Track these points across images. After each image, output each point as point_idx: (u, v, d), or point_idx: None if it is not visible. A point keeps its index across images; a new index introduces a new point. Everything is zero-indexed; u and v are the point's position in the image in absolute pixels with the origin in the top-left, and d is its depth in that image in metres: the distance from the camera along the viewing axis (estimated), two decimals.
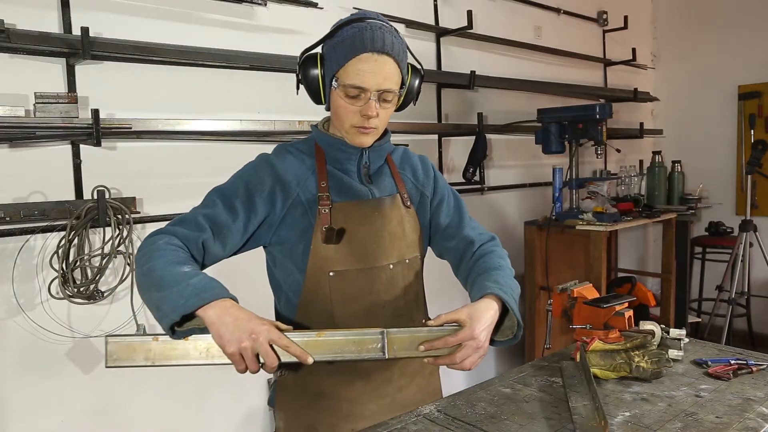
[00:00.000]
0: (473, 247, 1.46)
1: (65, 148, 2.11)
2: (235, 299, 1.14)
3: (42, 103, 1.95)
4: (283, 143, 1.41)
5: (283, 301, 1.39)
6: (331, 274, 1.31)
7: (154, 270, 1.11)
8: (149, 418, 2.36)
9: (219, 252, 1.27)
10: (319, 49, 1.31)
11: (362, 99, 1.25)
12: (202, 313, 1.09)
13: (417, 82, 1.34)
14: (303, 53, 1.30)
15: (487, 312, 1.25)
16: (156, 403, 2.38)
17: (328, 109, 1.34)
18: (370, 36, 1.20)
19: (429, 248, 1.55)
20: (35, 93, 1.94)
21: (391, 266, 1.37)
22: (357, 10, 1.48)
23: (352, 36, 1.21)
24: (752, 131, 4.36)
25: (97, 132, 2.01)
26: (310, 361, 1.12)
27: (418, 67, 1.35)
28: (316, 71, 1.28)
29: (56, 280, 2.05)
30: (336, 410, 1.37)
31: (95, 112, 2.01)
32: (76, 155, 2.12)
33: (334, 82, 1.25)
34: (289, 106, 2.65)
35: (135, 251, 2.18)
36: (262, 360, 1.11)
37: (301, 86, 1.34)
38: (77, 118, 2.01)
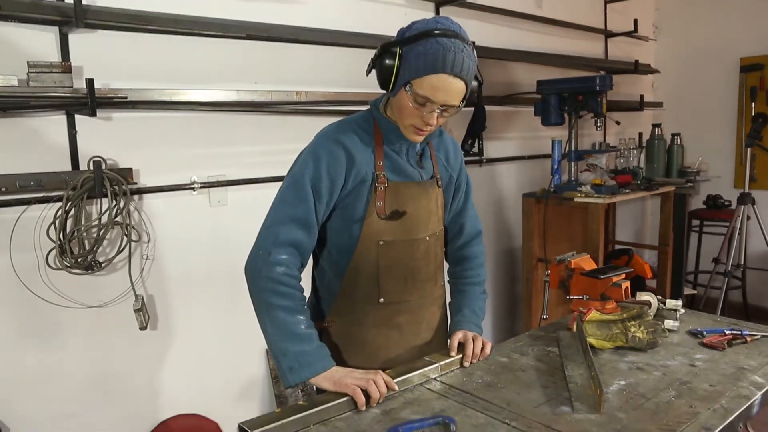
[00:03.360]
0: (461, 236, 1.69)
1: (60, 119, 2.09)
2: (335, 364, 1.36)
3: (35, 72, 1.92)
4: (343, 120, 1.50)
5: (326, 254, 1.52)
6: (380, 243, 1.46)
7: (272, 312, 1.34)
8: (149, 387, 2.38)
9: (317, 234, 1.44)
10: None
11: (427, 108, 1.36)
12: (314, 379, 1.33)
13: (475, 93, 1.45)
14: (384, 45, 1.37)
15: (464, 334, 1.58)
16: (155, 373, 2.40)
17: (391, 94, 1.41)
18: (451, 58, 1.31)
19: None
20: (28, 62, 1.92)
21: (427, 238, 1.54)
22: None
23: (435, 53, 1.31)
24: (753, 104, 4.33)
25: (92, 102, 1.99)
26: (396, 388, 1.35)
27: (480, 80, 1.45)
28: (393, 64, 1.35)
29: (54, 251, 2.04)
30: (374, 357, 1.52)
31: (90, 82, 1.98)
32: (71, 126, 2.10)
33: (407, 87, 1.35)
34: (285, 77, 2.63)
35: (136, 222, 2.19)
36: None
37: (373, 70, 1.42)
38: (71, 87, 1.98)
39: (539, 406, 1.27)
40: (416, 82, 1.33)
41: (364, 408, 1.27)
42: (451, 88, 1.33)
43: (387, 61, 1.35)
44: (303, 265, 1.43)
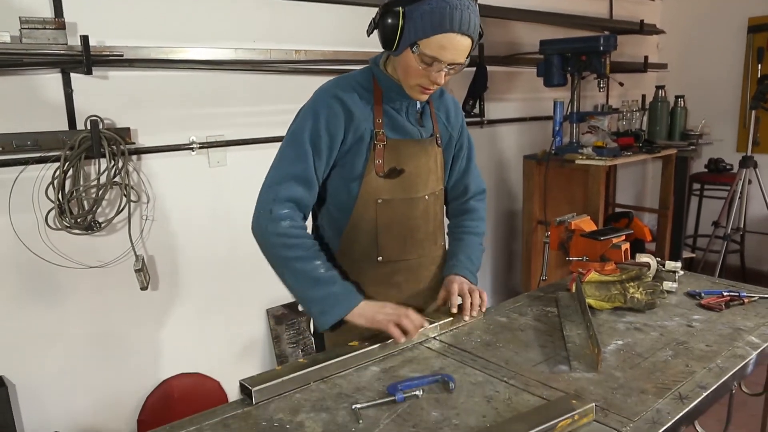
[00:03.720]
0: (466, 195, 1.70)
1: (56, 77, 2.06)
2: (364, 298, 1.38)
3: (28, 28, 1.88)
4: (342, 76, 1.47)
5: (325, 212, 1.53)
6: (379, 201, 1.46)
7: (289, 264, 1.35)
8: (150, 346, 2.41)
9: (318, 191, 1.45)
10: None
11: (434, 67, 1.34)
12: (347, 317, 1.35)
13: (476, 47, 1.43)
14: (386, 4, 1.34)
15: (460, 283, 1.56)
16: (157, 332, 2.42)
17: (394, 54, 1.37)
18: (458, 17, 1.28)
19: None
20: (20, 18, 1.88)
21: (426, 197, 1.54)
22: None
23: (441, 11, 1.28)
24: (759, 65, 4.26)
25: (87, 60, 1.96)
26: (426, 326, 1.41)
27: (481, 32, 1.41)
28: (397, 24, 1.32)
29: (53, 212, 2.04)
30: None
31: (84, 39, 1.95)
32: (66, 84, 2.07)
33: (414, 47, 1.32)
34: (284, 35, 2.58)
35: (135, 183, 2.18)
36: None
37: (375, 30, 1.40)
38: (66, 45, 1.95)
39: (537, 365, 1.29)
40: (423, 42, 1.31)
41: (402, 341, 1.33)
42: (458, 47, 1.31)
43: (390, 21, 1.32)
44: (305, 219, 1.43)
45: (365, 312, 1.35)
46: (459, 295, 1.53)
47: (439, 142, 1.56)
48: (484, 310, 1.55)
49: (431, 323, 1.45)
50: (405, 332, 1.34)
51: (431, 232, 1.58)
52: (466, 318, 1.51)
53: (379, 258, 1.50)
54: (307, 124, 1.39)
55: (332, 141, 1.40)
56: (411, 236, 1.53)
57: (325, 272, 1.36)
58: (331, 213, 1.51)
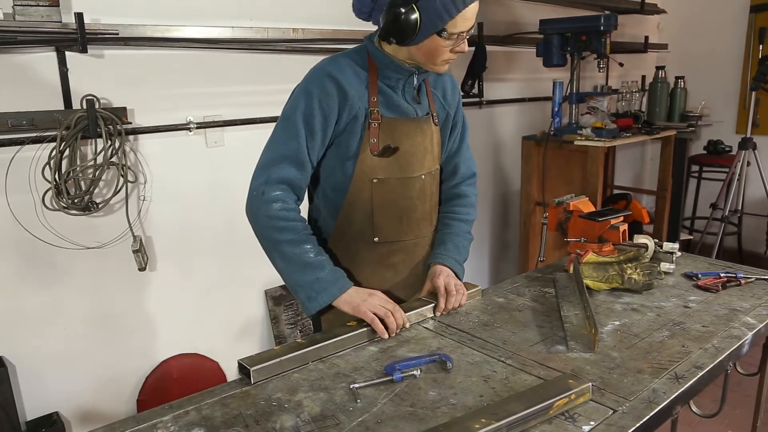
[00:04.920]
0: (455, 176, 1.67)
1: (50, 56, 2.04)
2: (353, 284, 1.39)
3: (22, 5, 1.85)
4: (336, 54, 1.46)
5: (320, 193, 1.53)
6: (374, 180, 1.46)
7: (279, 247, 1.36)
8: (149, 327, 2.42)
9: (311, 174, 1.45)
10: None
11: (459, 39, 1.37)
12: (334, 303, 1.36)
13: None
14: (394, 2, 1.32)
15: (446, 277, 1.54)
16: (155, 313, 2.43)
17: (413, 44, 1.36)
18: None
19: None
20: None
21: (423, 176, 1.53)
22: None
23: None
24: (761, 46, 4.23)
25: (82, 38, 1.94)
26: (408, 325, 1.40)
27: None
28: (416, 19, 1.31)
29: (50, 192, 2.03)
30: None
31: (79, 16, 1.93)
32: (62, 63, 2.05)
33: (442, 33, 1.33)
34: (281, 14, 2.55)
35: (132, 163, 2.17)
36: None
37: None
38: (60, 22, 1.93)
39: (534, 345, 1.29)
40: (450, 24, 1.32)
41: (385, 336, 1.33)
42: (475, 10, 1.35)
43: (407, 18, 1.30)
44: (299, 200, 1.42)
45: (352, 300, 1.36)
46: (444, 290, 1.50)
47: (436, 120, 1.55)
48: (458, 308, 1.52)
49: (429, 303, 1.46)
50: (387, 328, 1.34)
51: (428, 212, 1.57)
52: (437, 314, 1.47)
53: (375, 239, 1.49)
54: (300, 104, 1.38)
55: (326, 120, 1.39)
56: (407, 216, 1.52)
57: (315, 257, 1.36)
58: (326, 194, 1.51)
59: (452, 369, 1.18)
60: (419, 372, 1.17)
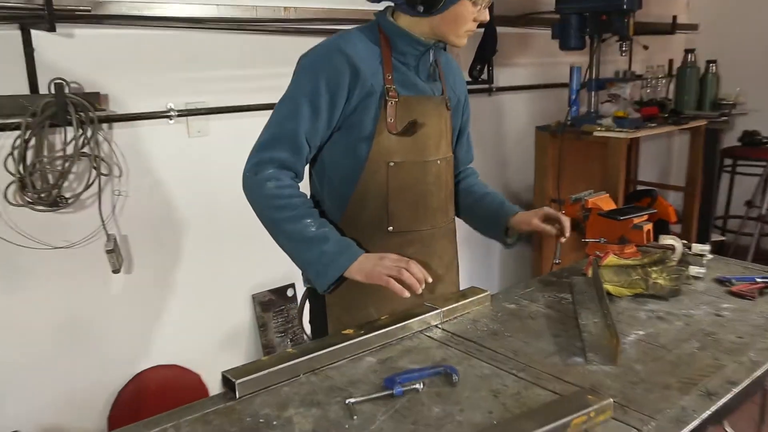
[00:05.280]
0: (458, 167, 1.75)
1: (14, 34, 2.03)
2: (363, 251, 1.41)
3: None
4: (346, 30, 1.50)
5: (326, 184, 1.55)
6: (390, 164, 1.49)
7: (279, 226, 1.41)
8: (123, 335, 2.42)
9: (309, 160, 1.50)
10: None
11: (483, 6, 1.44)
12: (346, 274, 1.40)
13: None
14: None
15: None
16: (130, 320, 2.43)
17: (435, 14, 1.43)
18: None
19: None
20: None
21: (439, 161, 1.57)
22: None
23: None
24: None
25: (50, 15, 1.93)
26: (429, 280, 1.39)
27: None
28: None
29: (13, 186, 2.03)
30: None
31: None
32: (27, 43, 2.04)
33: None
34: None
35: (106, 154, 2.16)
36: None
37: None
38: None
39: (549, 357, 1.29)
40: None
41: (407, 295, 1.35)
42: None
43: None
44: (297, 177, 1.46)
45: (363, 267, 1.38)
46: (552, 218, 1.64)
47: (449, 104, 1.60)
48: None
49: (433, 310, 1.46)
50: (409, 285, 1.37)
51: (443, 201, 1.61)
52: (563, 240, 1.63)
53: (390, 228, 1.52)
54: (305, 80, 1.41)
55: (334, 99, 1.41)
56: (424, 204, 1.56)
57: (316, 230, 1.40)
58: (333, 185, 1.53)
59: (458, 382, 1.18)
60: (422, 385, 1.16)
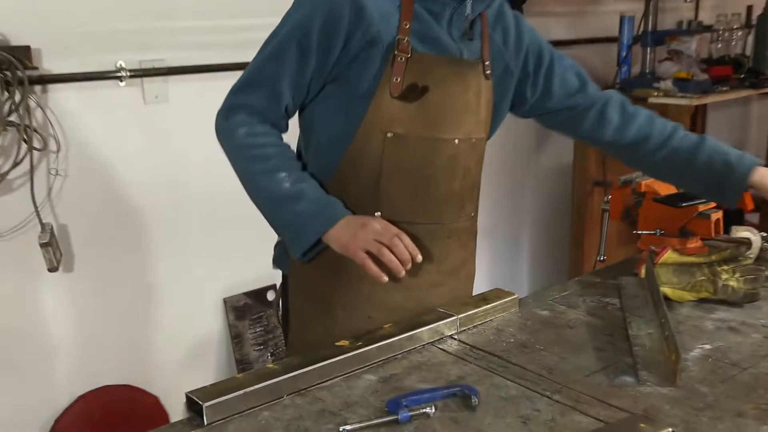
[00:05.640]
0: (588, 109, 1.69)
1: None
2: (346, 213, 1.43)
3: None
4: None
5: (312, 144, 1.56)
6: (389, 135, 1.47)
7: (251, 181, 1.45)
8: (61, 349, 2.43)
9: (292, 111, 1.52)
10: None
11: None
12: (324, 239, 1.43)
13: None
14: None
15: None
16: (71, 330, 2.44)
17: None
18: None
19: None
20: None
21: (456, 141, 1.54)
22: None
23: None
24: None
25: None
26: (419, 258, 1.41)
27: None
28: None
29: None
30: (356, 290, 1.56)
31: None
32: None
33: None
34: None
35: (39, 124, 2.16)
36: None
37: None
38: None
39: (592, 375, 1.29)
40: None
41: (384, 281, 1.38)
42: None
43: None
44: (275, 127, 1.49)
45: (341, 235, 1.41)
46: None
47: (488, 71, 1.56)
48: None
49: (447, 316, 1.46)
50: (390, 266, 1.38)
51: (455, 193, 1.58)
52: None
53: (377, 213, 1.50)
54: (298, 16, 1.43)
55: (329, 41, 1.41)
56: (426, 192, 1.54)
57: (291, 186, 1.43)
58: (321, 146, 1.54)
59: (479, 406, 1.18)
60: (433, 410, 1.16)
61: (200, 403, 1.15)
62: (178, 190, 2.54)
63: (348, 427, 1.12)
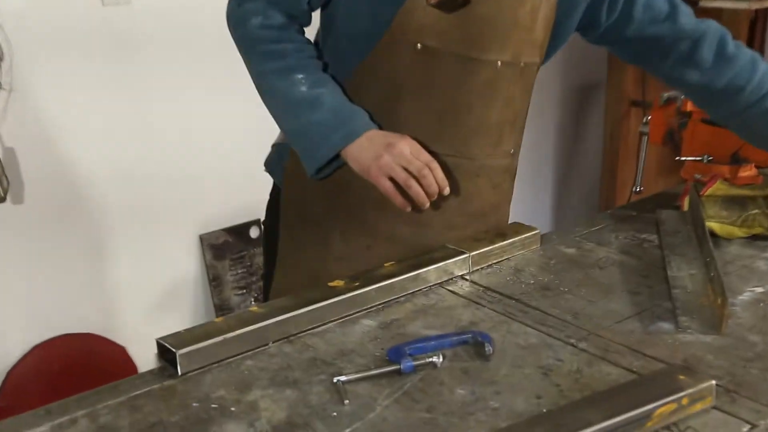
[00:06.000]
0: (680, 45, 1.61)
1: None
2: (371, 126, 1.42)
3: None
4: None
5: (329, 47, 1.54)
6: (418, 46, 1.44)
7: (264, 81, 1.46)
8: (12, 293, 2.44)
9: (315, 3, 1.48)
10: None
11: None
12: (343, 155, 1.42)
13: None
14: None
15: None
16: (22, 271, 2.45)
17: None
18: None
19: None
20: None
21: (499, 64, 1.49)
22: None
23: None
24: None
25: None
26: (447, 191, 1.42)
27: None
28: None
29: None
30: (358, 214, 1.56)
31: None
32: None
33: None
34: None
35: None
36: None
37: None
38: None
39: (624, 321, 1.30)
40: None
41: (408, 210, 1.41)
42: None
43: None
44: (293, 21, 1.47)
45: (361, 155, 1.40)
46: None
47: None
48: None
49: (458, 254, 1.46)
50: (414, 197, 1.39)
51: (492, 124, 1.55)
52: None
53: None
54: None
55: None
56: (454, 119, 1.51)
57: (309, 90, 1.42)
58: (337, 49, 1.52)
59: (493, 355, 1.19)
60: (441, 359, 1.17)
61: (173, 350, 1.16)
62: (145, 109, 2.52)
63: (343, 378, 1.13)
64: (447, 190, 1.41)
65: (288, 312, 1.26)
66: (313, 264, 1.58)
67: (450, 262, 1.45)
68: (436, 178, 1.38)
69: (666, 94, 1.90)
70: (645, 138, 1.95)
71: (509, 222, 1.68)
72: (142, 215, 2.61)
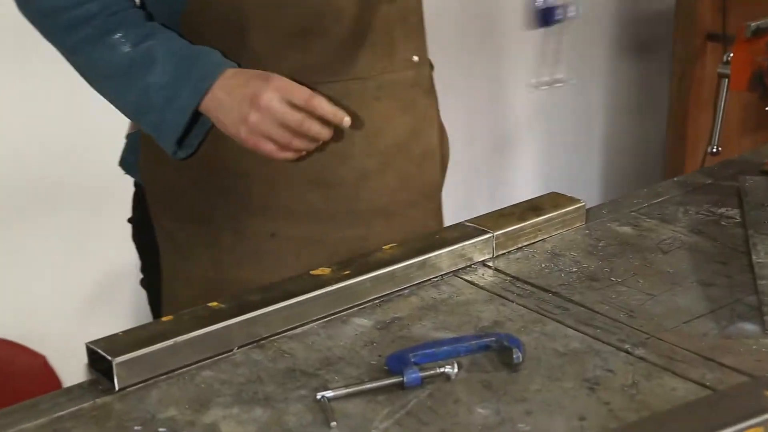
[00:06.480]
0: None
1: None
2: (225, 66, 1.43)
3: None
4: None
5: None
6: None
7: (76, 58, 1.48)
8: None
9: None
10: None
11: None
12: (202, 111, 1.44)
13: None
14: None
15: None
16: None
17: None
18: None
19: None
20: None
21: None
22: None
23: None
24: None
25: None
26: (347, 122, 1.42)
27: None
28: None
29: None
30: (245, 194, 1.56)
31: None
32: None
33: None
34: None
35: None
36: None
37: None
38: None
39: (694, 321, 1.31)
40: None
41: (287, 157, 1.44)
42: None
43: None
44: None
45: (226, 117, 1.41)
46: None
47: None
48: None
49: (478, 233, 1.47)
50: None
51: (377, 27, 1.54)
52: None
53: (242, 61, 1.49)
54: None
55: None
56: (321, 29, 1.49)
57: (134, 49, 1.42)
58: None
59: (523, 364, 1.20)
60: (456, 369, 1.18)
61: (108, 358, 1.16)
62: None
63: (329, 394, 1.13)
64: (347, 120, 1.41)
65: (258, 309, 1.27)
66: (206, 273, 1.59)
67: (468, 245, 1.45)
68: (324, 113, 1.39)
69: (754, 24, 1.89)
70: (725, 82, 1.94)
71: (545, 192, 1.68)
72: (75, 197, 2.63)
